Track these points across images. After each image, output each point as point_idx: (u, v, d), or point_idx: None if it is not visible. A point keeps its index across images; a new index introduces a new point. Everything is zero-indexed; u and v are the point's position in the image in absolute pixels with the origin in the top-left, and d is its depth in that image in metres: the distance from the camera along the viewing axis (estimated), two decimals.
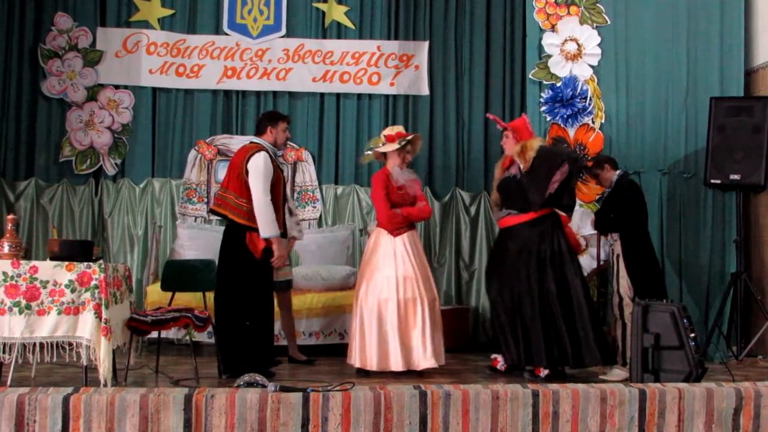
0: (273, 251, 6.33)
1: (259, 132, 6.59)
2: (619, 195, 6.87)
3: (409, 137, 6.84)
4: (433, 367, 6.53)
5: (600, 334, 6.49)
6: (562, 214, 6.81)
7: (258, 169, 6.26)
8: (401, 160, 6.82)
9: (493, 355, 6.93)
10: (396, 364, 6.47)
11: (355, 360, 6.56)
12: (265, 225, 6.21)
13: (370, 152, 7.05)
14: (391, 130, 6.94)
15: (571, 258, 6.64)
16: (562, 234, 6.70)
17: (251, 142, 6.56)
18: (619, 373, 6.61)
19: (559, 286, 6.49)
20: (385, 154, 6.87)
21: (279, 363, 6.67)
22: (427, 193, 9.16)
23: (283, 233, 6.47)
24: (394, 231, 6.71)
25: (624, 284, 6.72)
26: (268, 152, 6.39)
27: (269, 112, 6.98)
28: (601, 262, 7.74)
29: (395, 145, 6.77)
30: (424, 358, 6.50)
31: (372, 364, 6.49)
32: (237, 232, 6.35)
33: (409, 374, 6.50)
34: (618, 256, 6.82)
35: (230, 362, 6.32)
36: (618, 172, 6.98)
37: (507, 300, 6.59)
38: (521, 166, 6.67)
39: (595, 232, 7.29)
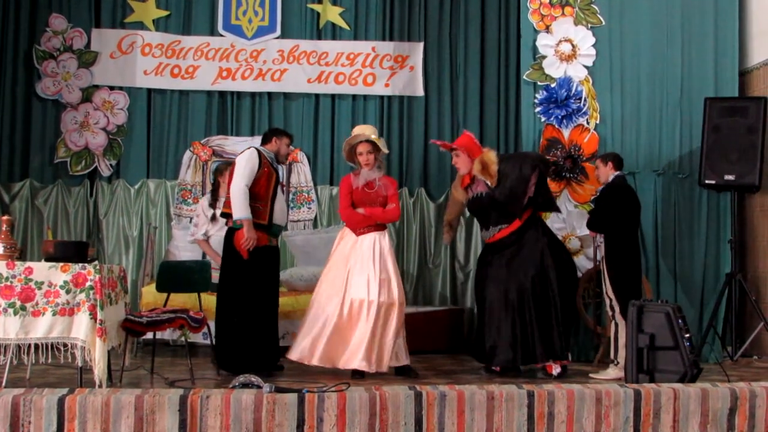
0: (270, 254, 6.55)
1: (265, 141, 6.81)
2: (611, 196, 6.89)
3: (347, 146, 6.83)
4: (367, 371, 6.41)
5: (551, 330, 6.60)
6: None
7: (241, 160, 6.54)
8: (359, 164, 6.81)
9: None
10: (320, 360, 6.44)
11: (292, 351, 6.54)
12: (236, 207, 6.41)
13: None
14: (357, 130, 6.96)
15: (564, 249, 6.92)
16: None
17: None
18: (611, 372, 6.63)
19: (559, 272, 6.65)
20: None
21: (282, 368, 6.68)
22: (422, 194, 9.17)
23: (267, 225, 6.54)
24: (357, 230, 6.70)
25: (610, 287, 6.76)
26: (259, 152, 6.59)
27: (276, 128, 7.39)
28: (596, 263, 7.75)
29: (344, 154, 6.87)
30: (355, 358, 6.41)
31: (311, 358, 6.47)
32: (231, 230, 6.54)
33: (404, 374, 6.50)
34: (603, 258, 6.88)
35: (225, 359, 6.42)
36: (617, 173, 6.98)
37: (503, 299, 6.66)
38: (488, 182, 6.73)
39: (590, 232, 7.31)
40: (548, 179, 7.15)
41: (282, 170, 8.89)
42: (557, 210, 7.33)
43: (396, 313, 6.55)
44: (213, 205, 7.53)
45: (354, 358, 6.41)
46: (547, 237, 6.78)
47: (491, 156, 6.80)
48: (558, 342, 6.57)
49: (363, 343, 6.41)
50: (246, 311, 6.43)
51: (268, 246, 6.58)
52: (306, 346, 6.50)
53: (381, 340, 6.48)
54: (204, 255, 7.64)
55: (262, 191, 6.52)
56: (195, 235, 7.62)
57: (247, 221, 6.39)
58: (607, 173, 6.99)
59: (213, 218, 7.46)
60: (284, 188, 8.86)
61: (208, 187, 8.93)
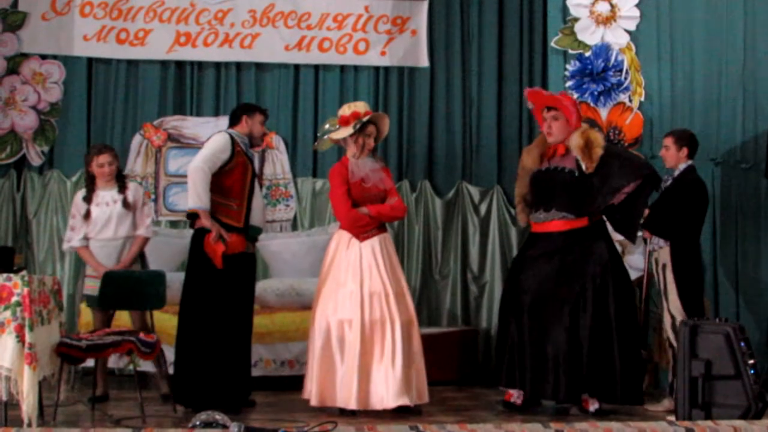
0: (245, 262, 6.64)
1: (233, 123, 6.84)
2: (686, 193, 6.82)
3: (366, 118, 6.77)
4: (405, 404, 6.46)
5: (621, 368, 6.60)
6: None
7: (209, 143, 6.63)
8: (359, 148, 6.79)
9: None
10: (351, 401, 6.42)
11: (311, 394, 6.54)
12: (192, 194, 6.47)
13: (325, 137, 7.02)
14: (347, 109, 6.85)
15: (626, 272, 6.85)
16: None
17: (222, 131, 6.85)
18: (668, 404, 6.66)
19: (618, 303, 6.61)
20: (344, 139, 6.86)
21: (253, 404, 6.72)
22: (427, 188, 9.18)
23: (243, 228, 6.60)
24: (360, 234, 6.72)
25: (676, 300, 6.74)
26: (232, 137, 6.66)
27: (245, 103, 7.38)
28: (641, 272, 7.78)
29: (349, 130, 6.73)
30: (389, 394, 6.44)
31: (327, 399, 6.50)
32: (200, 235, 6.53)
33: (404, 411, 6.51)
34: (664, 266, 6.87)
35: (185, 392, 6.43)
36: (690, 162, 6.94)
37: (538, 319, 6.66)
38: (584, 166, 6.69)
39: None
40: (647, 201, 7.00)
41: (255, 158, 8.88)
42: (631, 240, 7.18)
43: (416, 331, 6.64)
44: (89, 199, 7.16)
45: (392, 394, 6.44)
46: (609, 254, 6.72)
47: (599, 137, 6.77)
48: (618, 384, 6.55)
49: (398, 373, 6.45)
50: (215, 333, 6.45)
51: (244, 253, 6.62)
52: (330, 388, 6.50)
53: (413, 365, 6.55)
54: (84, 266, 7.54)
55: (237, 186, 6.57)
56: (71, 241, 7.23)
57: (203, 212, 6.44)
58: (679, 160, 6.92)
59: (87, 216, 7.11)
60: (260, 181, 8.87)
61: (162, 179, 8.96)
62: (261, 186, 8.90)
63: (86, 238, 7.16)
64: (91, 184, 7.21)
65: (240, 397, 6.56)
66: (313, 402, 6.51)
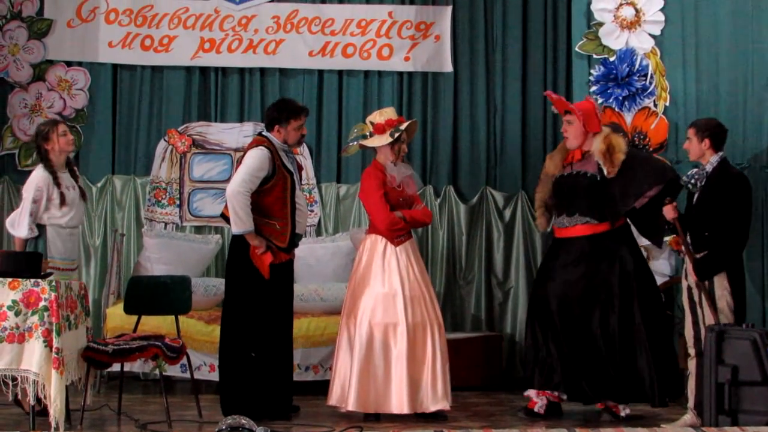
0: (286, 267, 6.67)
1: (268, 127, 6.80)
2: (727, 191, 6.47)
3: (404, 126, 6.85)
4: (446, 409, 6.54)
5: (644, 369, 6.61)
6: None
7: (246, 161, 6.52)
8: (395, 155, 6.85)
9: (527, 392, 6.93)
10: (400, 406, 6.47)
11: (347, 401, 6.53)
12: (234, 219, 6.42)
13: (354, 143, 7.06)
14: (379, 116, 6.93)
15: (651, 276, 6.90)
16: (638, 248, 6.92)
17: (259, 134, 6.82)
18: (688, 419, 6.57)
19: (644, 308, 6.65)
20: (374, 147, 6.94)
21: (298, 409, 6.77)
22: (451, 193, 9.17)
23: (289, 247, 6.61)
24: (395, 239, 6.76)
25: (725, 307, 6.51)
26: (271, 149, 6.58)
27: (280, 105, 6.93)
28: (667, 277, 7.77)
29: (387, 139, 6.80)
30: (434, 398, 6.51)
31: (371, 406, 6.52)
32: (241, 242, 6.53)
33: (429, 417, 6.54)
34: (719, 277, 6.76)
35: (234, 403, 6.42)
36: (720, 154, 6.57)
37: (566, 324, 6.70)
38: (605, 170, 6.72)
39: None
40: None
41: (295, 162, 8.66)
42: (658, 245, 7.08)
43: (443, 335, 6.72)
44: (57, 181, 6.70)
45: (436, 398, 6.51)
46: (634, 259, 6.76)
47: (621, 142, 6.79)
48: (651, 383, 6.59)
49: (440, 377, 6.53)
50: (262, 341, 6.50)
51: (277, 263, 6.60)
52: (376, 392, 6.53)
53: (446, 369, 6.61)
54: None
55: (278, 205, 6.57)
56: (22, 228, 6.62)
57: (249, 234, 6.44)
58: (702, 152, 6.54)
59: (63, 202, 6.67)
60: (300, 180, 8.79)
61: (187, 185, 8.99)
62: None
63: (49, 221, 6.73)
64: (50, 166, 6.76)
65: (287, 404, 6.63)
66: (354, 407, 6.49)
